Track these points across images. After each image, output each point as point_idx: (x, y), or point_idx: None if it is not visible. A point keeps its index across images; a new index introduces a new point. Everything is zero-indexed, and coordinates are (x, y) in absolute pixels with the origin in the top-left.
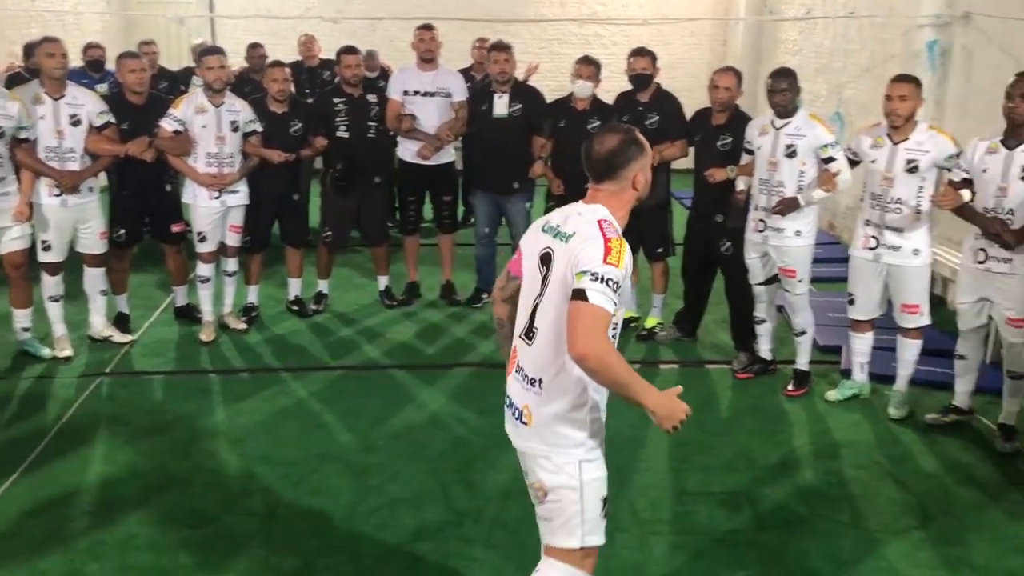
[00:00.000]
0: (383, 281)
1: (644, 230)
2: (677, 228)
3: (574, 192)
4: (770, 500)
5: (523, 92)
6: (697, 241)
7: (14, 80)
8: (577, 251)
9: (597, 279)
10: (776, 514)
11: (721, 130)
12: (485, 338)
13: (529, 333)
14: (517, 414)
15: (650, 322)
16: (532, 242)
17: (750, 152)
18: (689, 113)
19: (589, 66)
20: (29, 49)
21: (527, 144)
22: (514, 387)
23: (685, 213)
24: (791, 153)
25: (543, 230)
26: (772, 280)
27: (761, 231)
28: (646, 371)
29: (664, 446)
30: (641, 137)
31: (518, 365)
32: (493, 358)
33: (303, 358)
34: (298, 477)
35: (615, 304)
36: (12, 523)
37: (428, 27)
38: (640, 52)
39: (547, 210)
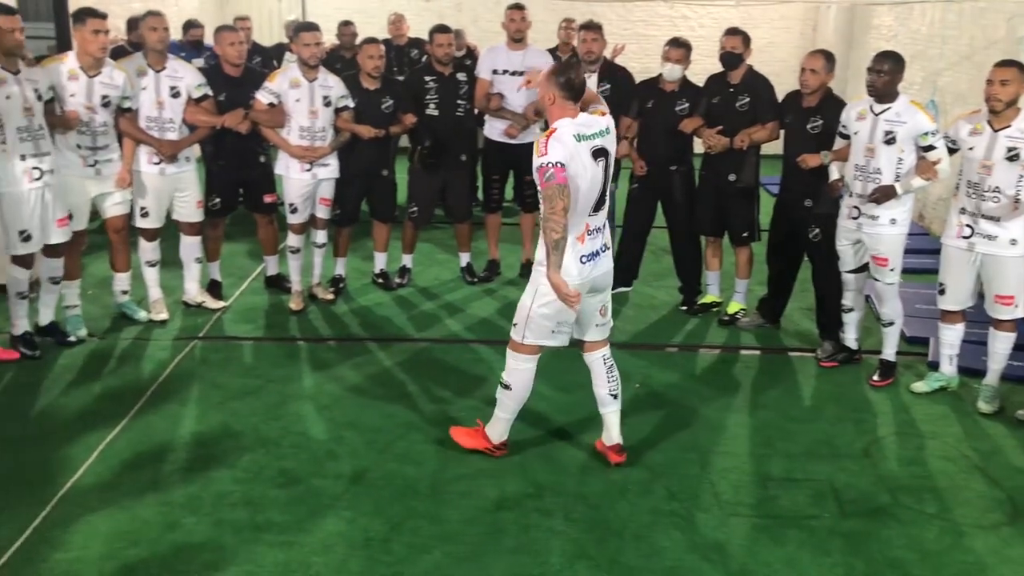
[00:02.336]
0: (465, 258)
1: (730, 214)
2: (763, 213)
3: (657, 173)
4: (854, 488)
5: (612, 72)
6: (784, 226)
7: (118, 53)
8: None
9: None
10: (859, 503)
11: (812, 112)
12: None
13: (599, 205)
14: (603, 248)
15: (732, 307)
16: (573, 153)
17: (845, 137)
18: (779, 97)
19: (679, 49)
20: (132, 23)
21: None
22: (592, 243)
23: (769, 198)
24: (890, 140)
25: (579, 140)
26: (862, 268)
27: (855, 218)
28: (727, 356)
29: (746, 430)
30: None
31: (590, 229)
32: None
33: (387, 329)
34: (384, 444)
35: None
36: (114, 474)
37: (519, 7)
38: (733, 32)
39: (631, 192)
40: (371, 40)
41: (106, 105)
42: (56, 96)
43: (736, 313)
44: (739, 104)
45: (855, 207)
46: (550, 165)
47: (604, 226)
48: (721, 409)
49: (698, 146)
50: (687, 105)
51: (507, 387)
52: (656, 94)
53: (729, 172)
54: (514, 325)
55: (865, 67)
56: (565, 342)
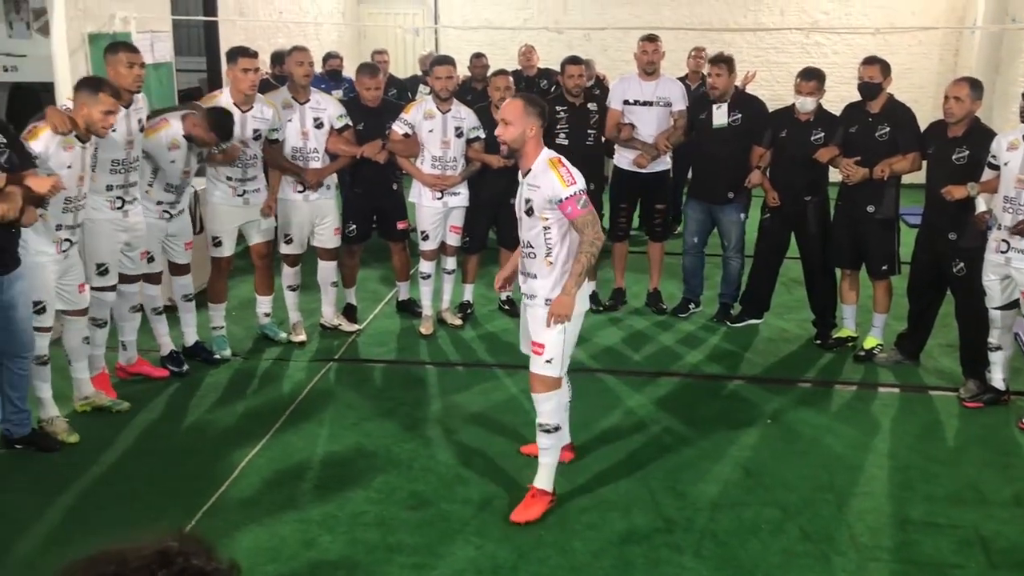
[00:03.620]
0: (590, 286)
1: (868, 246)
2: (902, 245)
3: (791, 203)
4: (1004, 538)
5: (744, 101)
6: (926, 259)
7: (264, 86)
8: None
9: None
10: (1011, 553)
11: (958, 142)
12: (693, 348)
13: None
14: None
15: (869, 342)
16: None
17: (994, 167)
18: (921, 126)
19: (811, 81)
20: (277, 58)
21: (745, 154)
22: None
23: (908, 229)
24: None
25: None
26: (1012, 305)
27: (1004, 252)
28: (864, 393)
29: (884, 471)
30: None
31: None
32: (701, 369)
33: (514, 356)
34: (512, 470)
35: None
36: (255, 490)
37: (652, 39)
38: (871, 61)
39: (763, 222)
40: (500, 72)
41: (257, 138)
42: None
43: (873, 348)
44: (879, 134)
45: (1004, 240)
46: (581, 192)
47: None
48: (858, 448)
49: (834, 175)
50: (822, 135)
51: (556, 428)
52: (790, 123)
53: (868, 203)
54: (548, 362)
55: (1011, 94)
56: None
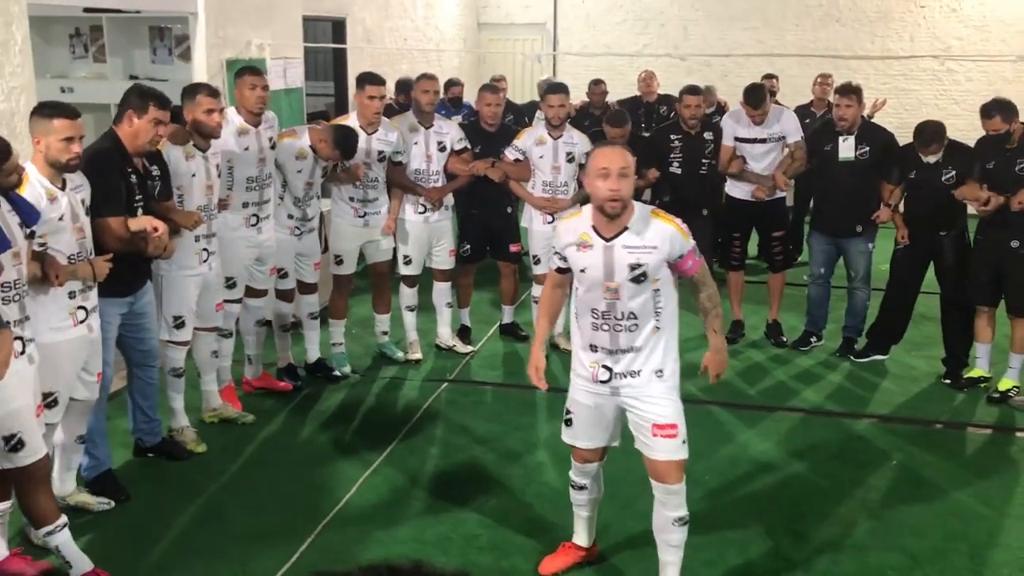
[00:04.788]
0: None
1: (1010, 282)
2: None
3: (927, 238)
4: None
5: (871, 133)
6: None
7: (387, 112)
8: None
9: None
10: None
11: None
12: (811, 384)
13: None
14: None
15: (1005, 384)
16: None
17: None
18: None
19: (933, 145)
20: (401, 85)
21: (873, 187)
22: None
23: None
24: None
25: None
26: None
27: None
28: (999, 437)
29: (1022, 522)
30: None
31: None
32: (822, 406)
33: None
34: (624, 499)
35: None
36: (372, 507)
37: (755, 104)
38: (989, 112)
39: (896, 254)
40: (616, 119)
41: (381, 160)
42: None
43: (1009, 390)
44: (1019, 168)
45: None
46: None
47: None
48: (992, 496)
49: (972, 208)
50: (953, 173)
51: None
52: (917, 164)
53: (1011, 237)
54: (684, 442)
55: None
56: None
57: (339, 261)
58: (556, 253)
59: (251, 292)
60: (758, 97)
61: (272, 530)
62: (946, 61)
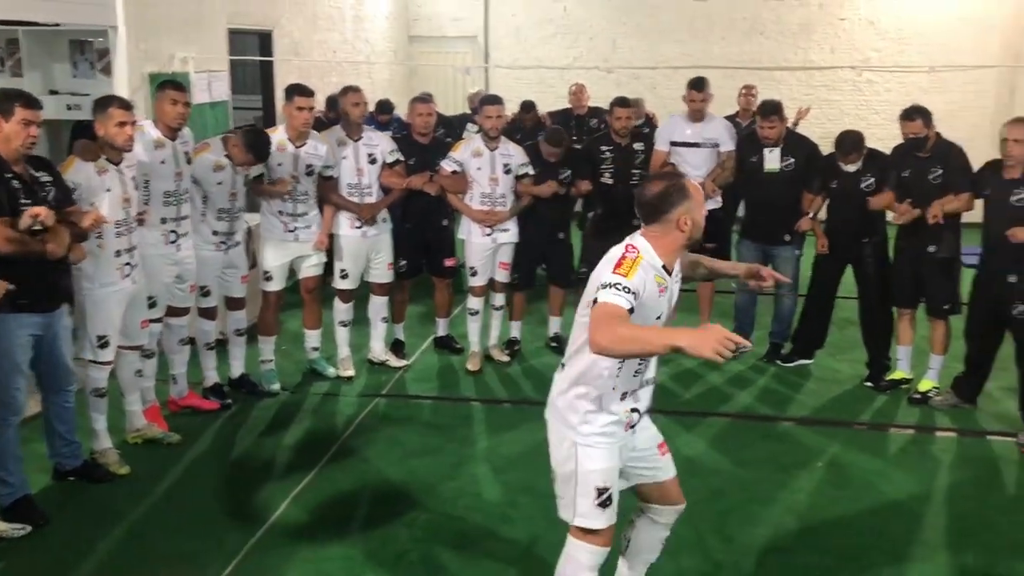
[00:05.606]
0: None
1: (929, 286)
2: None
3: (847, 244)
4: None
5: (796, 145)
6: (985, 301)
7: (316, 126)
8: (599, 272)
9: (607, 286)
10: None
11: (1017, 184)
12: (742, 388)
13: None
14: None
15: (925, 385)
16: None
17: None
18: (974, 165)
19: (850, 155)
20: (331, 102)
21: (800, 197)
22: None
23: (967, 270)
24: None
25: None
26: None
27: None
28: (920, 437)
29: (942, 519)
30: (688, 183)
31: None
32: (752, 409)
33: None
34: (557, 511)
35: (628, 302)
36: (302, 525)
37: (699, 87)
38: (910, 116)
39: (817, 260)
40: (554, 136)
41: (309, 174)
42: (266, 167)
43: (929, 391)
44: (932, 176)
45: None
46: None
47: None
48: (913, 494)
49: (891, 215)
50: (872, 180)
51: None
52: (837, 173)
53: (928, 243)
54: None
55: None
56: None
57: (268, 277)
58: (630, 292)
59: (173, 311)
60: (697, 85)
61: (198, 551)
62: (864, 72)
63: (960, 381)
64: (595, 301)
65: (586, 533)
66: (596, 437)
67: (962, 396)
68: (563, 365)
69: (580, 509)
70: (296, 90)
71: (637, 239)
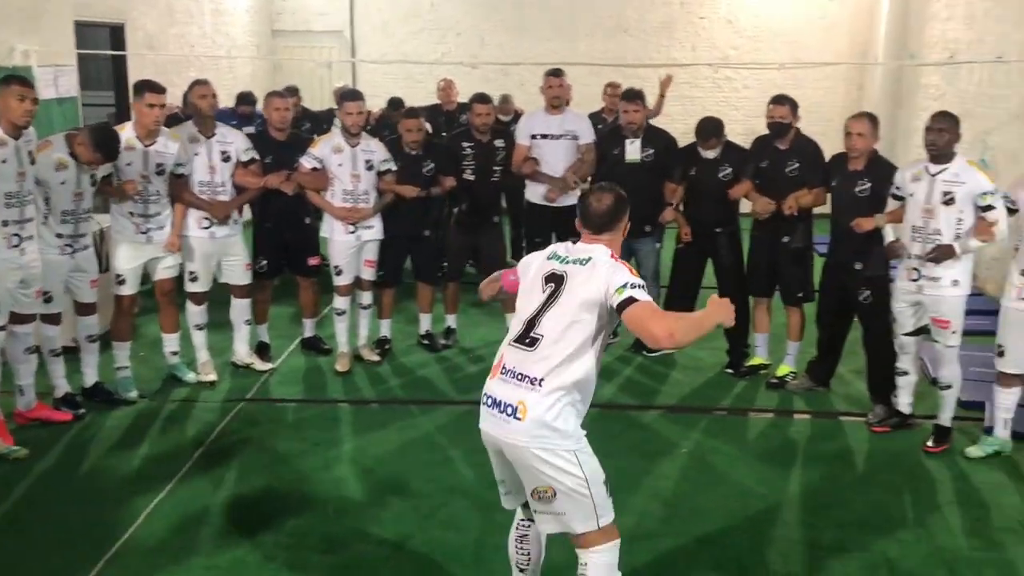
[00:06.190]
0: (510, 317)
1: (783, 275)
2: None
3: (704, 236)
4: (909, 560)
5: (655, 136)
6: (834, 288)
7: (171, 121)
8: (608, 276)
9: (636, 286)
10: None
11: (860, 175)
12: (607, 379)
13: (527, 339)
14: (509, 410)
15: (782, 370)
16: (536, 267)
17: (898, 198)
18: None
19: (709, 139)
20: (187, 97)
21: (659, 188)
22: (502, 388)
23: (818, 259)
24: (948, 200)
25: (548, 258)
26: (920, 331)
27: (915, 280)
28: (777, 420)
29: (797, 497)
30: (623, 194)
31: (505, 368)
32: (616, 400)
33: (431, 392)
34: (427, 509)
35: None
36: (162, 537)
37: (557, 73)
38: (780, 101)
39: (677, 252)
40: (410, 114)
41: (160, 173)
42: (115, 167)
43: (785, 376)
44: (789, 169)
45: (915, 268)
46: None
47: (526, 379)
48: (771, 476)
49: (745, 206)
50: (730, 170)
51: None
52: (697, 161)
53: (783, 234)
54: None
55: (913, 127)
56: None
57: (121, 280)
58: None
59: (16, 318)
60: (555, 71)
61: (46, 571)
62: (722, 69)
63: (814, 365)
64: (626, 302)
65: (607, 533)
66: (584, 439)
67: (816, 380)
68: (538, 381)
69: (602, 509)
70: (146, 86)
71: (598, 248)
